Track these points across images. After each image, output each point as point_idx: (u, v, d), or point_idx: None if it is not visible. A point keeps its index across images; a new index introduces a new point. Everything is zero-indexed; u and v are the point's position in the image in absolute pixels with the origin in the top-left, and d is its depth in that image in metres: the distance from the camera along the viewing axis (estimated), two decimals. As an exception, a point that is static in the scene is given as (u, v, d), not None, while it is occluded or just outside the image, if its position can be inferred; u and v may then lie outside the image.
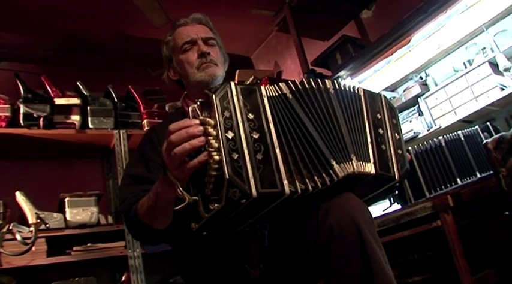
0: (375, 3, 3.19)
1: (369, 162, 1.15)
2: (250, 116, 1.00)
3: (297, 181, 0.99)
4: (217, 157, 0.94)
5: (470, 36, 2.80)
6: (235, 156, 0.94)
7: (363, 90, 1.27)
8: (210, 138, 0.97)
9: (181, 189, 0.99)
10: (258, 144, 0.97)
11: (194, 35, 1.54)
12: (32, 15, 3.13)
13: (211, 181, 0.96)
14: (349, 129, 1.15)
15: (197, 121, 0.99)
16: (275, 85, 1.09)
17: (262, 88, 1.06)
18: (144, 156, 1.45)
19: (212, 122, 0.98)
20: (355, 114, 1.20)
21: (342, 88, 1.21)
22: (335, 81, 1.21)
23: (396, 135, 1.26)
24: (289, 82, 1.12)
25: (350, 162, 1.09)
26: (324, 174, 1.03)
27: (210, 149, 0.96)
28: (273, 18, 3.37)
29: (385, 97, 1.31)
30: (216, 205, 0.94)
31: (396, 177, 1.20)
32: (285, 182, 0.97)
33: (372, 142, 1.19)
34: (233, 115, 0.98)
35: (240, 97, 1.01)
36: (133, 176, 1.42)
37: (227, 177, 0.92)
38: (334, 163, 1.05)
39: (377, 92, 1.32)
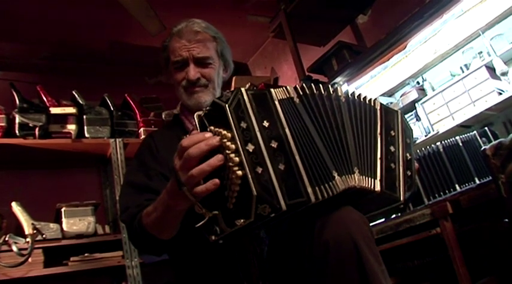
0: (371, 8, 3.19)
1: (376, 178, 1.10)
2: (266, 124, 0.95)
3: (316, 188, 0.95)
4: (240, 173, 0.91)
5: (467, 41, 2.81)
6: (260, 170, 0.90)
7: (380, 104, 1.23)
8: (228, 151, 0.93)
9: (200, 205, 0.95)
10: (279, 153, 0.93)
11: (186, 53, 1.43)
12: (27, 24, 3.12)
13: (234, 196, 0.92)
14: (357, 140, 1.11)
15: (209, 134, 0.95)
16: (283, 88, 1.05)
17: (272, 91, 1.01)
18: (143, 164, 1.42)
19: (229, 135, 0.93)
20: (368, 126, 1.16)
21: (357, 98, 1.17)
22: (352, 91, 1.17)
23: (408, 155, 1.21)
24: (297, 86, 1.08)
25: (352, 175, 1.05)
26: (327, 185, 0.98)
27: (230, 163, 0.92)
28: (268, 25, 3.36)
29: (402, 114, 1.27)
30: (242, 220, 0.91)
31: (401, 199, 1.15)
32: (309, 190, 0.93)
33: (381, 158, 1.14)
34: (250, 125, 0.93)
35: (253, 104, 0.95)
36: (133, 184, 1.39)
37: (255, 193, 0.89)
38: (336, 175, 1.00)
39: (395, 109, 1.28)
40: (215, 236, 0.95)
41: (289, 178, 0.92)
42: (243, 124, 0.93)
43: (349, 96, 1.16)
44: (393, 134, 1.21)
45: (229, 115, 0.94)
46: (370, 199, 1.13)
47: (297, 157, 0.95)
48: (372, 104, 1.21)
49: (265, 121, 0.95)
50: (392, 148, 1.18)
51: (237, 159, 0.92)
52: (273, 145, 0.94)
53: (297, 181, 0.93)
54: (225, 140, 0.94)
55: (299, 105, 1.04)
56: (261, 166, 0.91)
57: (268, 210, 0.89)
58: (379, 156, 1.14)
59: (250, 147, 0.92)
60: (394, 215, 2.11)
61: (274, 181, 0.90)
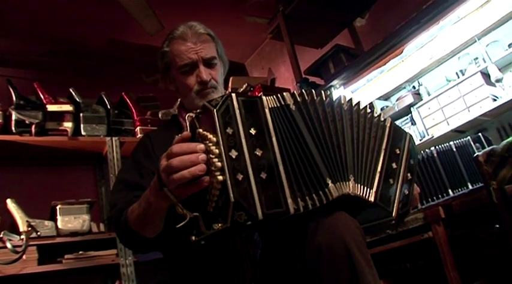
0: (369, 11, 3.21)
1: (371, 188, 1.11)
2: (253, 131, 0.95)
3: (298, 199, 0.96)
4: (220, 178, 0.91)
5: (463, 47, 2.82)
6: (240, 177, 0.91)
7: (391, 122, 1.24)
8: (212, 156, 0.93)
9: (181, 206, 0.96)
10: (262, 161, 0.93)
11: (194, 55, 1.44)
12: (25, 21, 3.13)
13: (214, 200, 0.93)
14: (356, 149, 1.11)
15: (202, 146, 0.95)
16: (278, 95, 1.04)
17: (264, 98, 1.01)
18: (137, 163, 1.43)
19: (214, 139, 0.94)
20: (372, 139, 1.17)
21: (362, 110, 1.18)
22: (358, 101, 1.18)
23: (408, 175, 1.22)
24: (295, 92, 1.08)
25: (347, 182, 1.05)
26: (320, 193, 0.99)
27: (213, 168, 0.92)
28: (266, 26, 3.38)
29: (411, 137, 1.29)
30: (219, 225, 0.91)
31: (393, 214, 1.15)
32: (289, 201, 0.94)
33: (381, 172, 1.15)
34: (236, 132, 0.93)
35: (242, 111, 0.96)
36: (125, 181, 1.41)
37: (233, 200, 0.89)
38: (329, 182, 1.00)
39: (406, 131, 1.29)
40: (195, 236, 0.96)
41: (270, 188, 0.93)
42: (229, 130, 0.94)
43: (353, 105, 1.16)
44: (398, 152, 1.22)
45: (216, 120, 0.94)
46: (362, 209, 1.14)
47: (281, 167, 0.96)
48: (382, 120, 1.22)
49: (252, 129, 0.96)
50: (394, 165, 1.19)
51: (219, 164, 0.92)
52: (257, 153, 0.94)
53: (277, 191, 0.94)
54: (210, 144, 0.94)
55: (295, 112, 1.04)
56: (242, 173, 0.91)
57: (244, 218, 0.89)
58: (379, 169, 1.15)
59: (234, 153, 0.92)
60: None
61: (253, 189, 0.91)
